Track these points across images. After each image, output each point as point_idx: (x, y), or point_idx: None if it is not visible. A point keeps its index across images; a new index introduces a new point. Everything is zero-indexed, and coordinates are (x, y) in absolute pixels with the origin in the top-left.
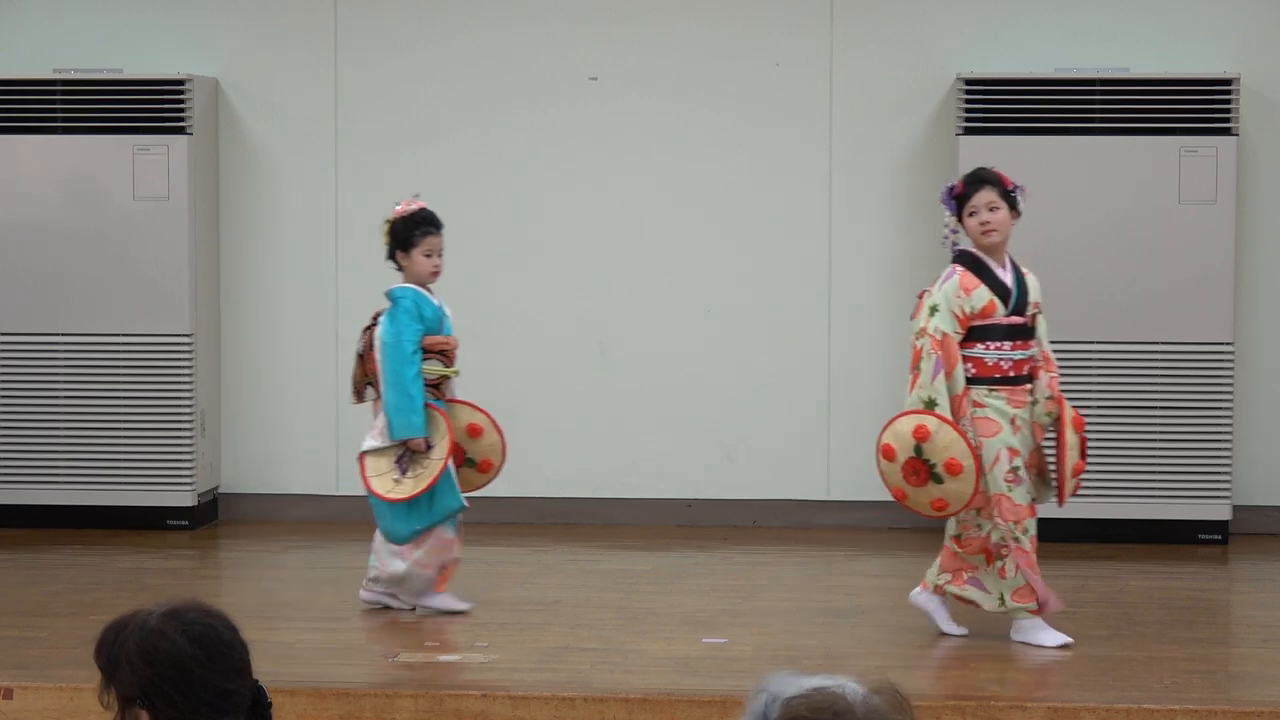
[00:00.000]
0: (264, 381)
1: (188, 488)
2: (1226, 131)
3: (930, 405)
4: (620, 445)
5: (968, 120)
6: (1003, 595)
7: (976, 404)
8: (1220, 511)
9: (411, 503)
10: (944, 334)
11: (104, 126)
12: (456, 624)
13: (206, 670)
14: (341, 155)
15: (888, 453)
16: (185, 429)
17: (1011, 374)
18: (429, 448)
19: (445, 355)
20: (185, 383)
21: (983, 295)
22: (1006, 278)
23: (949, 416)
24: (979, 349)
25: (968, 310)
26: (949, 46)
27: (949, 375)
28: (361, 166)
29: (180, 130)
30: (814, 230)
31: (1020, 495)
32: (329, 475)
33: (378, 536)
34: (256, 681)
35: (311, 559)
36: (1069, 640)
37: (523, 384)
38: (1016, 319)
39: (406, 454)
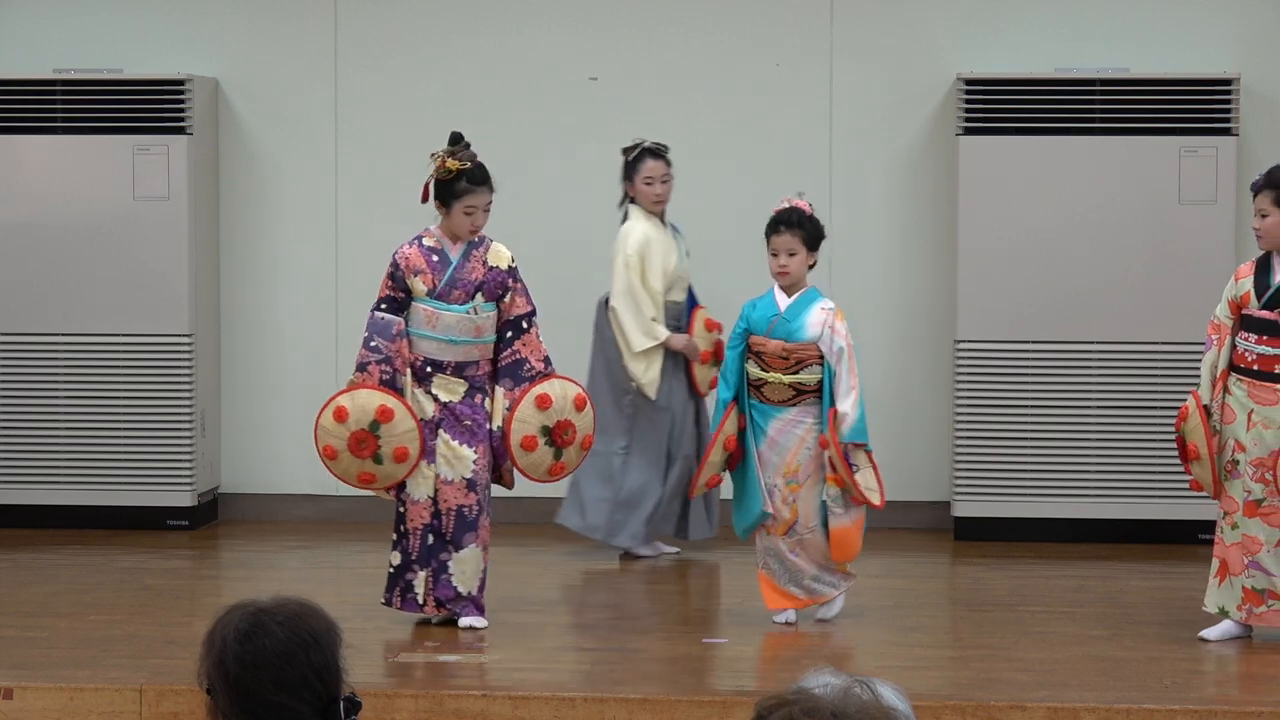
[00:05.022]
0: (264, 381)
1: (188, 488)
2: (1226, 131)
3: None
4: None
5: (968, 120)
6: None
7: (1227, 390)
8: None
9: None
10: (1216, 317)
11: (104, 126)
12: (457, 624)
13: (249, 677)
14: (341, 155)
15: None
16: (185, 429)
17: (1255, 367)
18: None
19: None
20: (185, 383)
21: (1245, 285)
22: (1278, 275)
23: (1204, 397)
24: (1238, 337)
25: (1234, 296)
26: (949, 46)
27: (1218, 355)
28: (361, 166)
29: (180, 130)
30: None
31: (1235, 489)
32: (329, 475)
33: None
34: (350, 697)
35: (311, 559)
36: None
37: None
38: (1266, 314)
39: None
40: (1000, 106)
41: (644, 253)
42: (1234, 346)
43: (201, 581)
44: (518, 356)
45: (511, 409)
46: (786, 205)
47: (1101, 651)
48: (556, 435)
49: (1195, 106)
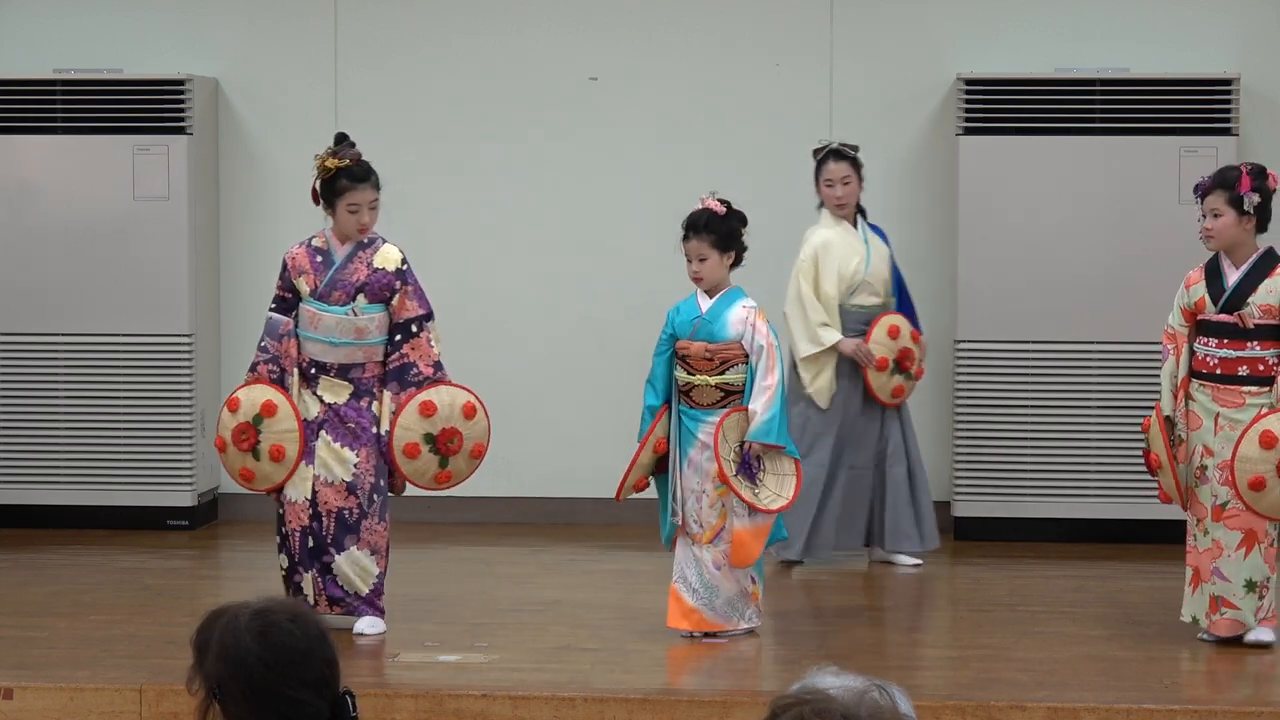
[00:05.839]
0: None
1: (188, 488)
2: (1226, 131)
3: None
4: (620, 445)
5: (968, 120)
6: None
7: (1189, 396)
8: None
9: None
10: (1170, 326)
11: (104, 126)
12: (456, 624)
13: (273, 676)
14: None
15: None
16: (185, 429)
17: (1218, 371)
18: None
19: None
20: (185, 383)
21: (1198, 291)
22: (1231, 277)
23: (1165, 408)
24: (1196, 343)
25: (1187, 303)
26: (949, 46)
27: (1177, 364)
28: None
29: (180, 130)
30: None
31: (1204, 494)
32: None
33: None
34: (346, 692)
35: None
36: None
37: (522, 383)
38: (1225, 317)
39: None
40: (1000, 106)
41: (819, 257)
42: (1193, 353)
43: (201, 581)
44: (405, 360)
45: (395, 414)
46: (699, 207)
47: (1101, 651)
48: (441, 443)
49: (1195, 106)
